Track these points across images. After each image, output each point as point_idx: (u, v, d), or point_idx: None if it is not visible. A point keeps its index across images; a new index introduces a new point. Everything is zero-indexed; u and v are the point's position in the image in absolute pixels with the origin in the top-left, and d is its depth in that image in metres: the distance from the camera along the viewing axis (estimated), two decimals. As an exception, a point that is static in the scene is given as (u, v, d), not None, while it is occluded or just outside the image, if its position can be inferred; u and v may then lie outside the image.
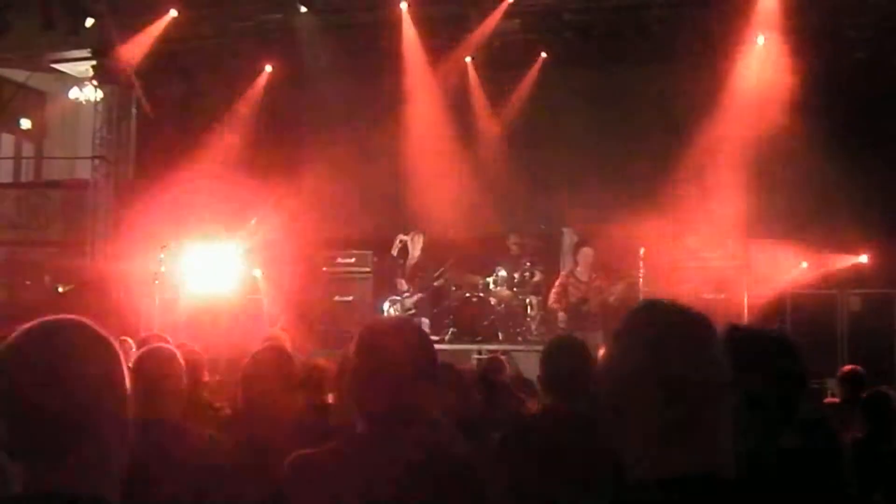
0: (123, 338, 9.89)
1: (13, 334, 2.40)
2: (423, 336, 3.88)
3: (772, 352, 3.60)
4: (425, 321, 16.85)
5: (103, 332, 2.46)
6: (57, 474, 2.31)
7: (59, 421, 2.30)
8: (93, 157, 20.78)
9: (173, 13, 18.98)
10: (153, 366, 5.45)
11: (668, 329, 2.42)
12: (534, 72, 19.19)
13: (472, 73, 19.56)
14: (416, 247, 17.36)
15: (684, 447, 2.33)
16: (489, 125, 19.07)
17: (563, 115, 18.61)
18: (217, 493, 4.94)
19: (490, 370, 9.64)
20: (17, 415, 2.31)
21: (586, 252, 16.59)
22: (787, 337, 3.83)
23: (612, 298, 16.40)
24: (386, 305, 17.50)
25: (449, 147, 19.02)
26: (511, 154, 18.67)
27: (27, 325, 2.42)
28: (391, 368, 3.59)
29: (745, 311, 16.68)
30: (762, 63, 18.05)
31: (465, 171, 18.70)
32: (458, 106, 19.40)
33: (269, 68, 20.42)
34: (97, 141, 20.71)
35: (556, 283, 16.74)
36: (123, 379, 2.44)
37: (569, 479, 5.19)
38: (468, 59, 19.47)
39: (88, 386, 2.34)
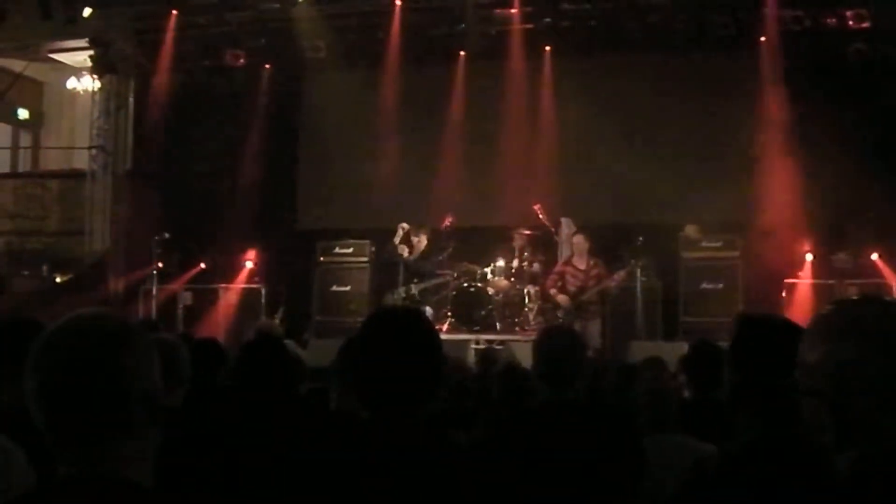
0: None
1: (50, 326, 2.46)
2: (429, 325, 3.87)
3: (791, 340, 3.58)
4: (429, 310, 16.84)
5: (137, 325, 2.59)
6: (94, 461, 2.36)
7: (95, 410, 2.35)
8: (90, 147, 20.76)
9: (171, 2, 18.97)
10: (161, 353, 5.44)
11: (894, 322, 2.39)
12: (531, 60, 19.14)
13: (469, 64, 19.53)
14: (420, 243, 17.35)
15: None
16: (488, 116, 19.00)
17: (561, 105, 18.60)
18: (226, 479, 4.95)
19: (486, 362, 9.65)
20: (55, 405, 2.36)
21: (578, 240, 16.57)
22: (798, 325, 3.81)
23: (612, 285, 16.39)
24: (388, 296, 17.45)
25: (447, 138, 19.03)
26: (509, 144, 18.66)
27: (63, 318, 2.48)
28: (397, 356, 3.60)
29: (742, 300, 16.71)
30: (763, 55, 18.06)
31: (463, 161, 18.71)
32: (457, 97, 19.38)
33: (268, 66, 20.45)
34: (94, 131, 20.69)
35: (554, 271, 16.71)
36: (156, 369, 2.50)
37: (567, 469, 5.20)
38: (466, 49, 19.44)
39: (123, 377, 2.39)
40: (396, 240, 17.30)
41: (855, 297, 2.53)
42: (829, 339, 2.41)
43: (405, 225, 17.37)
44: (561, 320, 15.62)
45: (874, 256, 16.88)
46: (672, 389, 6.52)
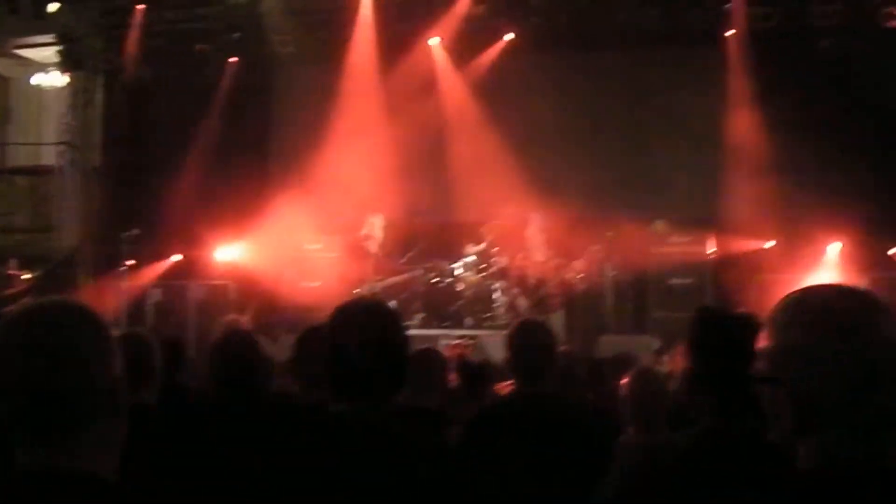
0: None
1: (8, 314, 2.41)
2: (397, 317, 3.89)
3: (747, 331, 3.60)
4: (393, 305, 16.88)
5: (98, 313, 2.47)
6: (54, 453, 2.32)
7: (54, 401, 2.31)
8: (58, 143, 20.68)
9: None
10: (129, 349, 5.41)
11: (855, 310, 2.40)
12: (500, 54, 19.19)
13: (438, 57, 19.56)
14: (376, 229, 17.34)
15: (875, 432, 2.33)
16: (456, 110, 19.03)
17: (531, 100, 18.60)
18: (203, 476, 4.94)
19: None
20: (13, 395, 2.32)
21: (535, 232, 16.65)
22: (758, 319, 3.83)
23: (571, 275, 16.45)
24: (355, 291, 17.44)
25: (417, 132, 19.00)
26: (479, 139, 18.65)
27: (23, 305, 2.44)
28: (364, 348, 3.60)
29: (712, 295, 16.78)
30: (731, 51, 18.18)
31: (432, 156, 18.70)
32: (426, 92, 19.38)
33: (234, 59, 20.38)
34: (62, 127, 20.61)
35: (514, 266, 16.78)
36: (117, 360, 2.45)
37: (539, 461, 5.21)
38: (434, 43, 19.47)
39: (83, 366, 2.35)
40: (363, 233, 17.29)
41: (814, 285, 2.54)
42: (788, 326, 2.43)
43: (373, 220, 17.36)
44: (526, 314, 15.66)
45: (835, 248, 17.01)
46: (660, 388, 6.50)
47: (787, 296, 2.48)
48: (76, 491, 2.31)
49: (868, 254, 16.73)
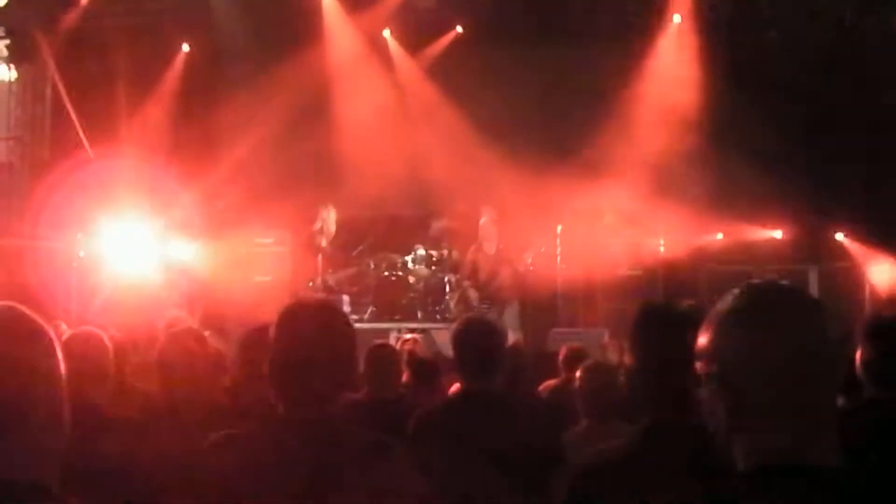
0: (57, 322, 9.79)
1: None
2: (343, 317, 3.91)
3: (688, 326, 3.63)
4: (346, 298, 16.91)
5: (36, 317, 2.43)
6: None
7: None
8: (8, 138, 20.50)
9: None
10: (82, 349, 5.41)
11: (793, 310, 2.43)
12: (450, 47, 19.23)
13: (389, 50, 19.59)
14: (330, 222, 17.33)
15: (808, 431, 2.35)
16: (409, 103, 19.04)
17: (483, 93, 18.60)
18: (145, 476, 4.93)
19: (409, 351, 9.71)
20: None
21: (485, 224, 16.67)
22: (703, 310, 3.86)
23: (521, 267, 16.49)
24: (309, 285, 17.43)
25: (369, 124, 18.98)
26: (430, 132, 18.64)
27: None
28: (310, 351, 3.62)
29: (662, 287, 16.87)
30: (679, 41, 18.26)
31: (385, 149, 18.68)
32: (377, 84, 19.35)
33: (186, 47, 20.25)
34: (12, 121, 20.42)
35: (467, 259, 16.80)
36: (57, 364, 2.40)
37: (486, 459, 5.23)
38: (386, 35, 19.48)
39: (19, 371, 2.31)
40: (315, 228, 17.27)
41: (757, 283, 2.56)
42: (726, 324, 2.44)
43: (325, 213, 17.35)
44: (477, 308, 15.72)
45: (781, 238, 17.20)
46: (611, 380, 6.54)
47: (727, 294, 2.51)
48: (13, 501, 2.27)
49: (816, 243, 16.90)
